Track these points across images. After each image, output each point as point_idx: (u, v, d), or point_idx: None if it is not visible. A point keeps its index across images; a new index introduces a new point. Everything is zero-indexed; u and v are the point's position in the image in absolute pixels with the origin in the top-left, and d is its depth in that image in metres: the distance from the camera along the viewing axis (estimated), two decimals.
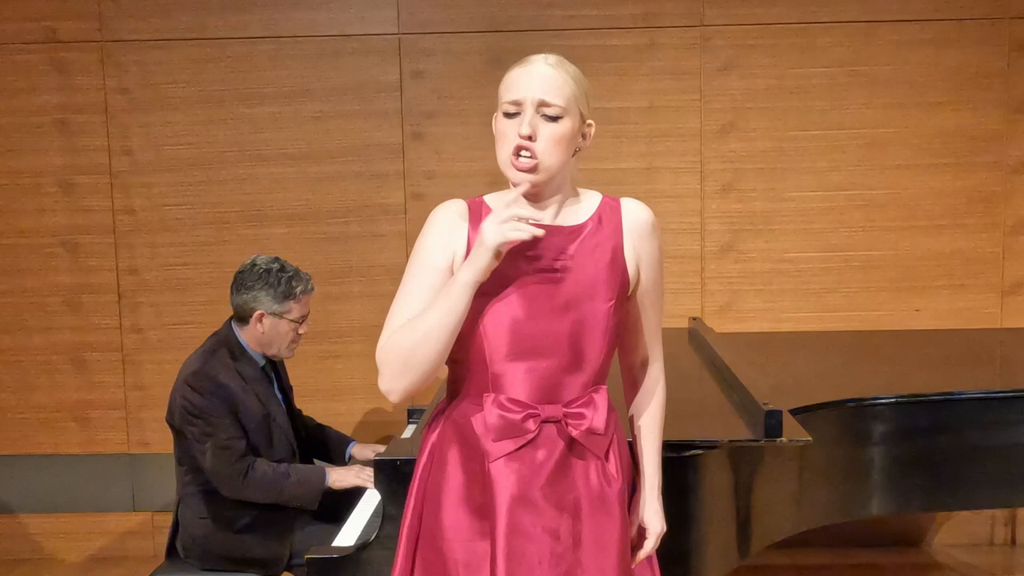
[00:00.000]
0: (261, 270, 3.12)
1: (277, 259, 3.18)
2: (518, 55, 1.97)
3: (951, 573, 4.14)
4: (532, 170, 1.87)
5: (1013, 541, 4.40)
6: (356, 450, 3.46)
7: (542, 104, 1.86)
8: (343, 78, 4.28)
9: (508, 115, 1.89)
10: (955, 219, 4.28)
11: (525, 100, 1.87)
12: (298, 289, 3.13)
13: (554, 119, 1.87)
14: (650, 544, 2.03)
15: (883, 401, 2.87)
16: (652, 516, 2.04)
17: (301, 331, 3.19)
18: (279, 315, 3.11)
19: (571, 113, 1.89)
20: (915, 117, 4.23)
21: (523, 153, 1.87)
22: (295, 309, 3.14)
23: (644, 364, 2.08)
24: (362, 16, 4.26)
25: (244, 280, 3.13)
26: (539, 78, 1.88)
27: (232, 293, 3.16)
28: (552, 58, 1.91)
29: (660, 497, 2.06)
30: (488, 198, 1.98)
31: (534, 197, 1.93)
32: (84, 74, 4.28)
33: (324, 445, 3.50)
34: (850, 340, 3.85)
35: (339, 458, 3.46)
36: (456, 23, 4.25)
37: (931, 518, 4.37)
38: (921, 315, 4.30)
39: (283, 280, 3.11)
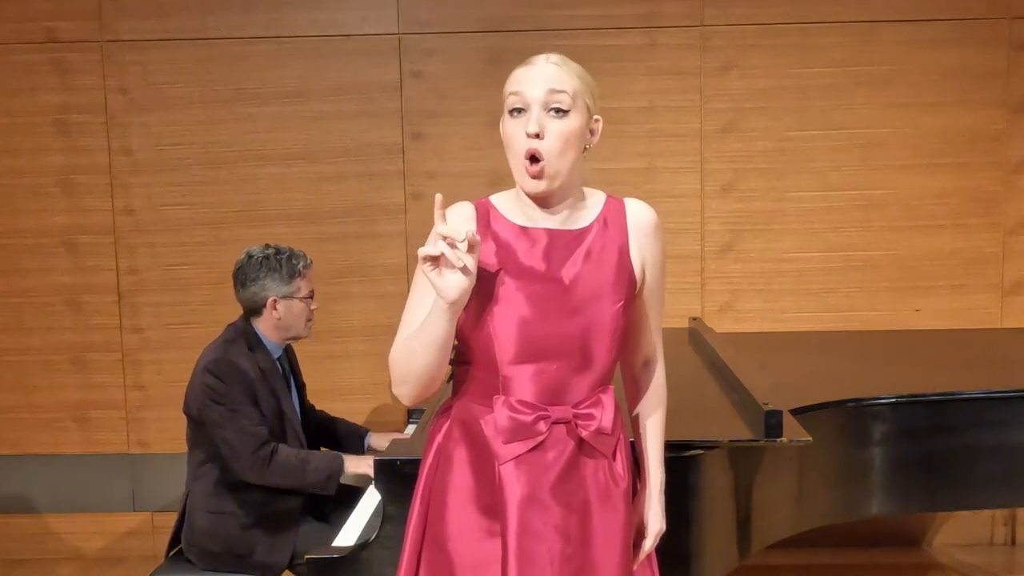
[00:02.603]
0: (259, 259, 3.17)
1: (268, 245, 3.23)
2: (518, 55, 1.97)
3: (951, 573, 4.14)
4: (541, 175, 1.86)
5: (1013, 541, 4.40)
6: (374, 440, 3.49)
7: (550, 93, 1.85)
8: (343, 78, 4.28)
9: (514, 115, 1.88)
10: (955, 219, 4.28)
11: (531, 99, 1.86)
12: (300, 265, 3.19)
13: (560, 115, 1.86)
14: (648, 543, 2.04)
15: (883, 401, 2.86)
16: (653, 515, 2.04)
17: (313, 307, 3.25)
18: (290, 296, 3.17)
19: (578, 108, 1.88)
20: (915, 117, 4.23)
21: (534, 158, 1.85)
22: (303, 287, 3.20)
23: (646, 363, 2.09)
24: (362, 16, 4.26)
25: (247, 273, 3.16)
26: (543, 76, 1.87)
27: (237, 290, 3.19)
28: (554, 57, 1.91)
29: (662, 497, 2.06)
30: (495, 198, 1.98)
31: (544, 200, 1.92)
32: (84, 74, 4.28)
33: (339, 437, 3.51)
34: (850, 340, 3.84)
35: (356, 449, 3.48)
36: (456, 23, 4.25)
37: (931, 518, 4.37)
38: (921, 315, 4.30)
39: (283, 261, 3.17)
